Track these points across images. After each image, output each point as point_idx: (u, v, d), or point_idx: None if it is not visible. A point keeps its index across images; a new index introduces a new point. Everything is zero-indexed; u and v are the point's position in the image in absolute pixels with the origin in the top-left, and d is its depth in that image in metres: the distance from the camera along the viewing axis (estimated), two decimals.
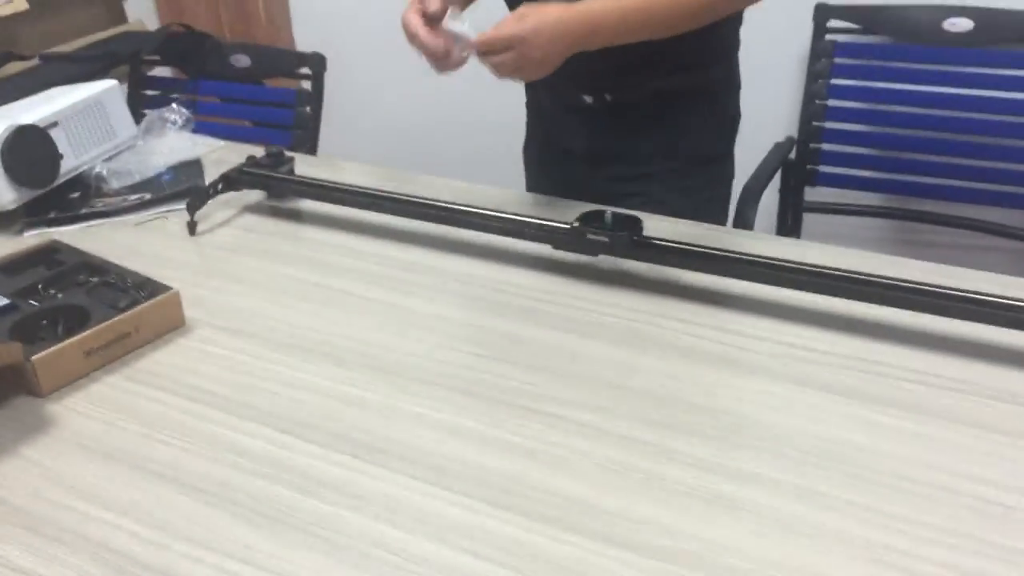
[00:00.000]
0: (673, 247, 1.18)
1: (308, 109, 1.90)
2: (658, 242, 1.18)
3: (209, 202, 1.50)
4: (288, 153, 1.56)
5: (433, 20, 1.26)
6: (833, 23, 1.93)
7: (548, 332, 1.16)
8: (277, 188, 1.52)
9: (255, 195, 1.56)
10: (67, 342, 1.10)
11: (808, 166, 1.96)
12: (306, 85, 1.92)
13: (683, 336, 1.13)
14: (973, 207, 1.91)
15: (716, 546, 0.83)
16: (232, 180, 1.50)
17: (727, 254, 1.15)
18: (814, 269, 1.11)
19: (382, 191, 1.41)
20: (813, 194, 1.99)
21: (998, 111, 1.82)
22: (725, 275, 1.18)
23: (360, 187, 1.44)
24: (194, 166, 1.68)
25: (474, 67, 1.27)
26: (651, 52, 1.29)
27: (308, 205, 1.53)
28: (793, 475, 0.90)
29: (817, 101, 1.94)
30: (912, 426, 0.96)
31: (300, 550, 0.85)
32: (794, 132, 1.97)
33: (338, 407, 1.04)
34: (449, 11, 1.26)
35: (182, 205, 1.53)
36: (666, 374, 1.06)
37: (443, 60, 1.25)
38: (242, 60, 2.06)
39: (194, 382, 1.10)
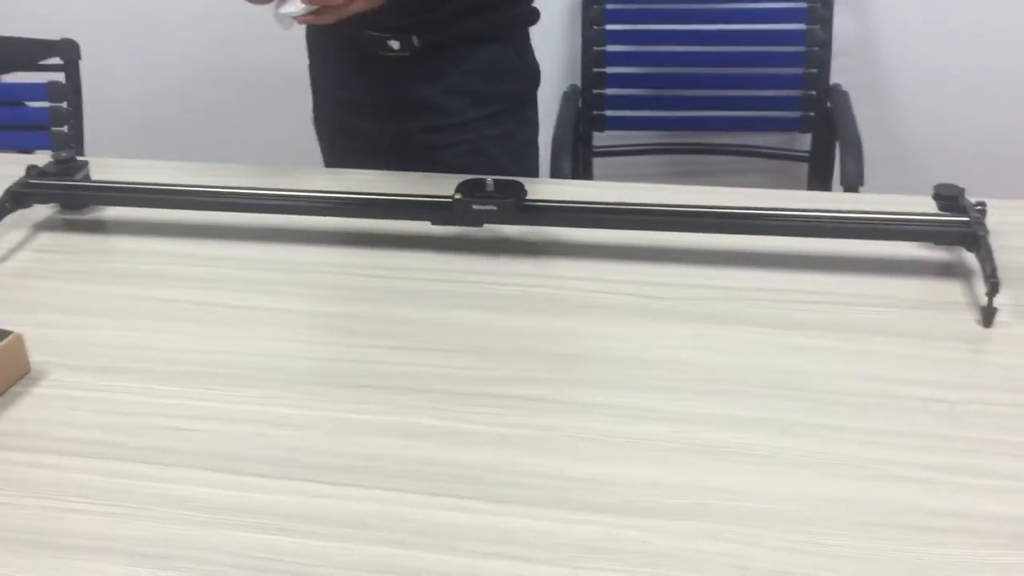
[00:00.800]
0: (560, 207, 1.16)
1: (65, 104, 1.66)
2: (544, 204, 1.16)
3: None
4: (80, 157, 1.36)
5: None
6: None
7: (455, 312, 1.10)
8: (73, 199, 1.32)
9: (42, 210, 1.34)
10: None
11: (595, 112, 2.02)
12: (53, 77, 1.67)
13: (594, 295, 1.11)
14: (736, 134, 2.07)
15: (727, 493, 0.83)
16: (19, 196, 1.28)
17: (621, 207, 1.15)
18: (701, 210, 1.14)
19: (219, 188, 1.27)
20: (600, 139, 2.05)
21: (752, 42, 1.96)
22: (618, 228, 1.17)
23: (187, 186, 1.28)
24: None
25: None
26: None
27: (112, 213, 1.34)
28: (764, 411, 0.92)
29: (595, 48, 2.00)
30: (840, 344, 1.01)
31: None
32: (575, 80, 2.02)
33: (266, 430, 0.93)
34: None
35: None
36: (594, 335, 1.05)
37: None
38: None
39: (78, 435, 0.93)
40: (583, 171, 2.04)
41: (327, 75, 1.55)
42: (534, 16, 1.50)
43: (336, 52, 1.50)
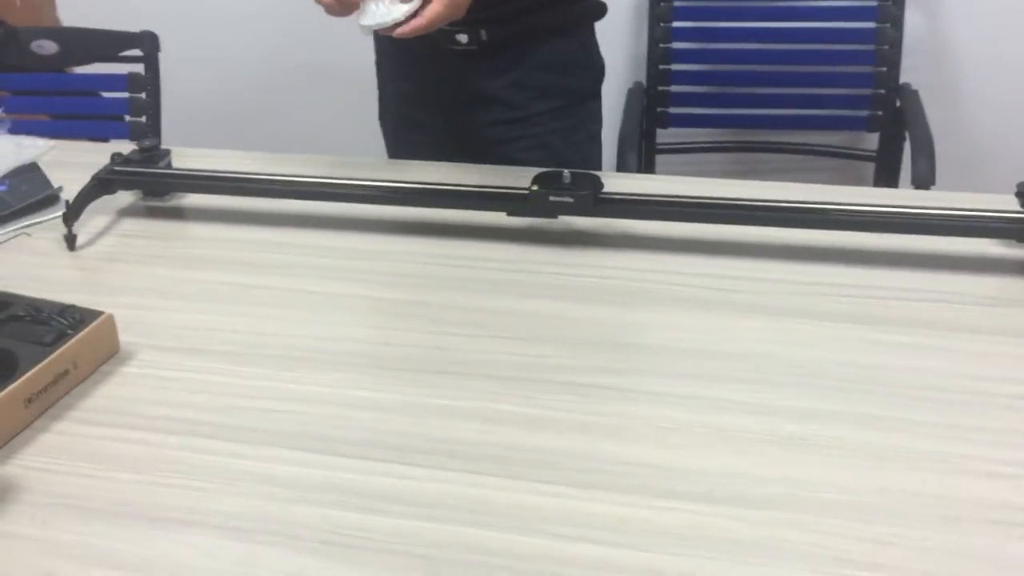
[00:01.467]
0: (636, 200, 1.17)
1: (144, 95, 1.70)
2: (620, 197, 1.17)
3: None
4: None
5: None
6: None
7: (532, 301, 1.11)
8: (156, 186, 1.36)
9: (125, 197, 1.38)
10: (7, 391, 0.92)
11: (659, 109, 2.02)
12: (132, 69, 1.72)
13: (670, 287, 1.12)
14: (802, 133, 2.05)
15: (811, 485, 0.83)
16: (106, 182, 1.32)
17: (697, 201, 1.16)
18: (779, 205, 1.14)
19: (297, 176, 1.29)
20: (664, 135, 2.05)
21: (821, 40, 1.95)
22: (693, 221, 1.18)
23: (266, 175, 1.30)
24: (33, 172, 1.45)
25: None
26: None
27: (193, 201, 1.38)
28: (846, 405, 0.92)
29: (662, 45, 2.00)
30: (921, 340, 1.01)
31: (395, 572, 0.77)
32: (640, 77, 2.02)
33: (351, 413, 0.95)
34: None
35: (39, 218, 1.33)
36: (672, 327, 1.05)
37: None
38: (47, 47, 1.79)
39: (167, 413, 0.96)
40: (646, 167, 2.04)
41: (394, 70, 1.57)
42: (601, 10, 1.50)
43: (403, 47, 1.51)
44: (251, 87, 2.23)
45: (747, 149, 2.12)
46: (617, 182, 1.23)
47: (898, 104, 1.96)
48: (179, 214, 1.36)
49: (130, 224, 1.33)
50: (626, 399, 0.95)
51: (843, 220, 1.11)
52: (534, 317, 1.09)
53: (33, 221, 1.34)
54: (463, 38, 1.40)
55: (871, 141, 2.06)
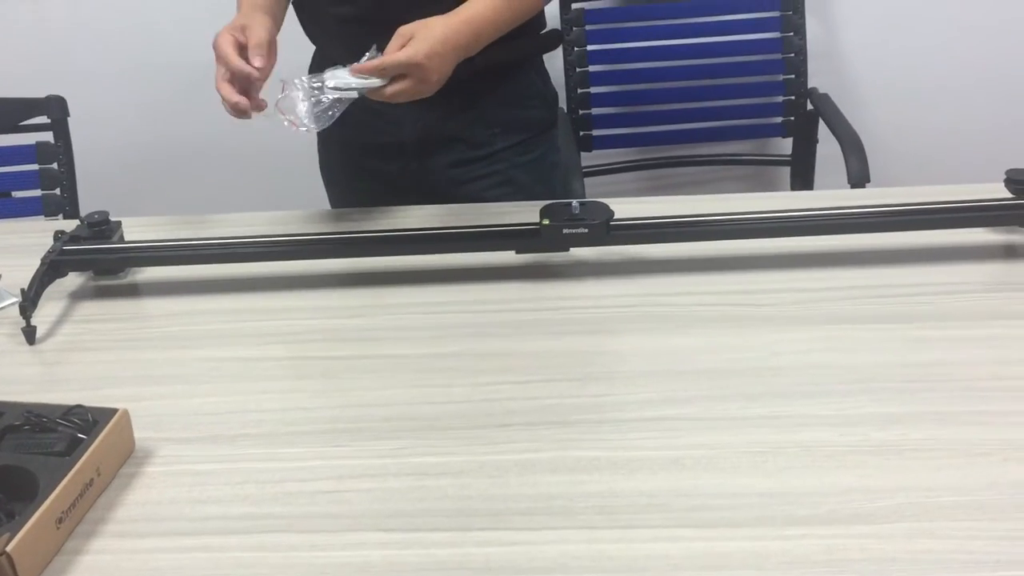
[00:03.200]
0: (651, 224, 1.15)
1: (55, 166, 1.54)
2: (634, 223, 1.15)
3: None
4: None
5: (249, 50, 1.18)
6: None
7: (566, 339, 1.07)
8: (114, 263, 1.23)
9: (72, 279, 1.25)
10: (37, 515, 0.80)
11: (582, 133, 2.01)
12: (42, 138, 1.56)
13: (699, 308, 1.10)
14: (718, 144, 2.10)
15: (923, 491, 0.82)
16: (57, 264, 1.18)
17: (712, 219, 1.15)
18: (791, 214, 1.15)
19: (278, 236, 1.22)
20: (587, 159, 2.05)
21: (730, 53, 2.00)
22: (714, 239, 1.17)
23: (243, 238, 1.21)
24: None
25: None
26: None
27: (150, 275, 1.26)
28: (918, 405, 0.92)
29: (579, 69, 1.99)
30: (969, 332, 1.03)
31: None
32: (560, 103, 2.00)
33: (424, 481, 0.88)
34: (304, 79, 1.17)
35: None
36: (716, 348, 1.03)
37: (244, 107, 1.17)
38: None
39: (218, 511, 0.86)
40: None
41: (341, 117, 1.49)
42: (556, 39, 1.49)
43: None
44: (169, 144, 2.08)
45: (668, 164, 2.13)
46: (618, 207, 1.20)
47: (808, 108, 2.04)
48: (139, 291, 1.24)
49: (89, 307, 1.20)
50: (704, 428, 0.92)
51: (857, 223, 1.13)
52: (573, 355, 1.05)
53: None
54: None
55: (783, 146, 2.13)
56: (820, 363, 1.00)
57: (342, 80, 1.16)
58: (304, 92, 1.17)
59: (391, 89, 1.16)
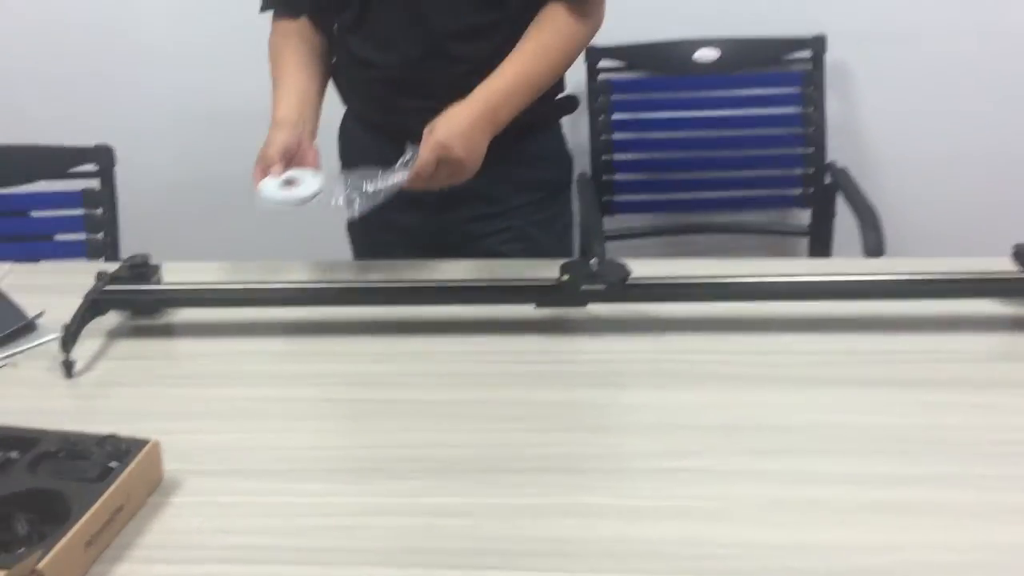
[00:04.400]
0: (667, 284, 1.19)
1: (100, 211, 1.61)
2: (650, 281, 1.19)
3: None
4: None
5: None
6: (604, 63, 2.06)
7: (581, 391, 1.11)
8: (152, 304, 1.29)
9: (112, 317, 1.30)
10: (68, 536, 0.84)
11: (604, 198, 2.07)
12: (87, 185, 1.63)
13: (715, 366, 1.14)
14: (739, 213, 2.15)
15: (920, 548, 0.85)
16: (98, 303, 1.24)
17: (723, 280, 1.20)
18: (804, 280, 1.20)
19: (312, 282, 1.29)
20: (609, 223, 2.10)
21: (751, 126, 2.07)
22: (730, 300, 1.21)
23: (275, 283, 1.27)
24: None
25: None
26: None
27: (186, 316, 1.31)
28: (924, 466, 0.95)
29: (603, 137, 2.06)
30: (967, 398, 1.06)
31: None
32: (584, 168, 2.07)
33: (439, 521, 0.91)
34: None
35: (18, 347, 1.24)
36: (727, 405, 1.07)
37: None
38: None
39: (242, 541, 0.90)
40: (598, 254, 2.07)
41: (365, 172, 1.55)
42: (573, 104, 1.55)
43: (377, 149, 1.51)
44: (206, 193, 2.17)
45: (688, 231, 2.18)
46: (636, 267, 1.24)
47: (827, 181, 2.09)
48: (174, 331, 1.30)
49: (125, 345, 1.25)
50: (713, 481, 0.95)
51: (869, 290, 1.17)
52: (587, 406, 1.09)
53: (13, 351, 1.24)
54: None
55: (801, 217, 2.17)
56: (828, 423, 1.03)
57: (379, 182, 1.23)
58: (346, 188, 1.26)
59: (430, 183, 1.23)
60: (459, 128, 1.24)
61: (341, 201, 1.24)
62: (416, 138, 1.26)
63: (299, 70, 1.38)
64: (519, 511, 0.92)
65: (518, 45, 1.32)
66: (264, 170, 1.25)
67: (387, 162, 1.29)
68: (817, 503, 0.91)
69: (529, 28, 1.33)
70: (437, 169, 1.23)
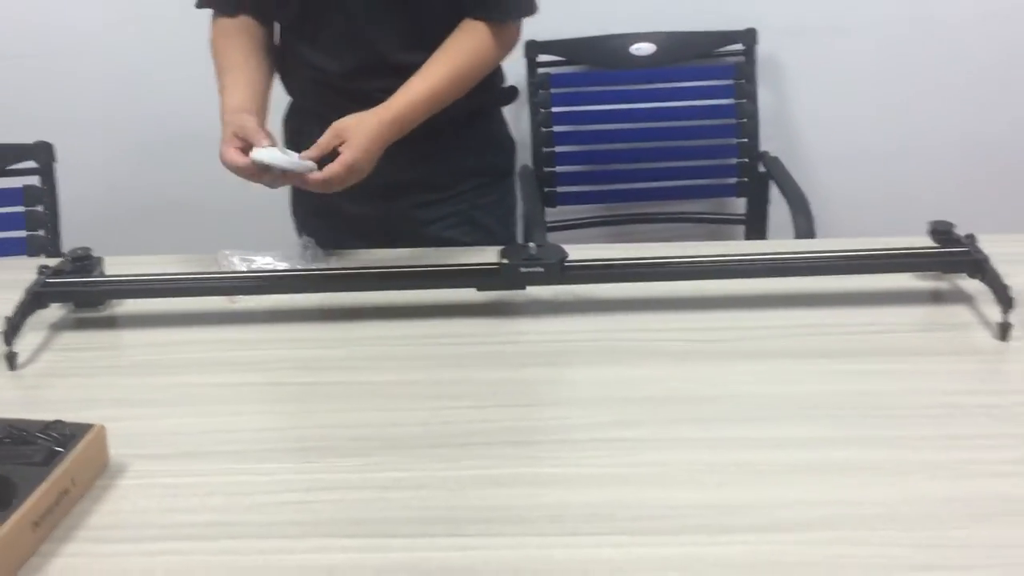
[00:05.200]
0: (603, 265, 1.23)
1: (41, 208, 1.60)
2: (587, 263, 1.22)
3: None
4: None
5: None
6: (542, 57, 2.10)
7: (525, 370, 1.14)
8: (93, 296, 1.29)
9: (55, 311, 1.30)
10: (14, 517, 0.85)
11: (546, 189, 2.10)
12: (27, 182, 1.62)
13: (648, 343, 1.18)
14: (677, 202, 2.20)
15: (849, 504, 0.89)
16: (40, 295, 1.24)
17: (658, 261, 1.23)
18: (736, 258, 1.23)
19: (259, 271, 1.30)
20: (551, 214, 2.13)
21: (687, 117, 2.12)
22: (664, 280, 1.24)
23: (218, 274, 1.29)
24: None
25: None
26: None
27: (129, 308, 1.31)
28: (848, 430, 1.00)
29: (544, 129, 2.09)
30: (888, 366, 1.11)
31: None
32: (526, 160, 2.11)
33: (386, 494, 0.93)
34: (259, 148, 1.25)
35: None
36: (663, 379, 1.11)
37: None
38: None
39: (190, 519, 0.91)
40: None
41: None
42: (513, 94, 1.58)
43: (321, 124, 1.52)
44: (148, 191, 2.16)
45: (628, 221, 2.22)
46: (575, 252, 1.28)
47: (761, 170, 2.15)
48: (117, 323, 1.30)
49: (68, 337, 1.25)
50: (651, 448, 0.99)
51: (794, 266, 1.22)
52: (529, 384, 1.12)
53: None
54: None
55: (737, 205, 2.23)
56: (759, 393, 1.08)
57: (276, 157, 1.24)
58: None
59: (320, 177, 1.24)
60: (369, 143, 1.28)
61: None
62: None
63: (247, 63, 1.40)
64: (466, 482, 0.95)
65: (433, 57, 1.35)
66: (244, 145, 1.25)
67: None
68: (748, 466, 0.95)
69: (447, 41, 1.36)
70: (337, 175, 1.26)
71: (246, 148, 1.26)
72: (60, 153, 1.71)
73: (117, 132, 2.18)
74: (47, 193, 1.62)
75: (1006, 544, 0.84)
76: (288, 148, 1.29)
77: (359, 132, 1.27)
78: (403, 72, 1.35)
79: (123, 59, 2.12)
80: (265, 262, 1.36)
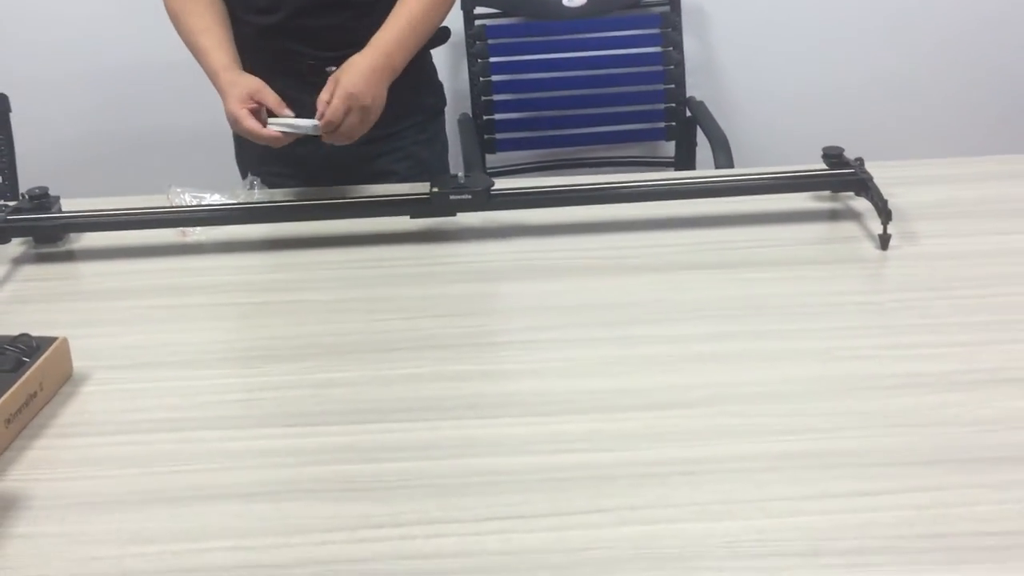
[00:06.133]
0: (527, 193, 1.34)
1: None
2: (512, 191, 1.33)
3: None
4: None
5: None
6: (479, 10, 2.19)
7: (453, 286, 1.25)
8: (53, 230, 1.37)
9: (14, 247, 1.38)
10: None
11: (485, 136, 2.21)
12: None
13: (568, 261, 1.29)
14: (611, 147, 2.32)
15: (730, 385, 1.02)
16: (3, 231, 1.32)
17: (575, 188, 1.35)
18: (644, 184, 1.37)
19: (207, 206, 1.39)
20: (492, 160, 2.24)
21: (617, 65, 2.23)
22: (582, 204, 1.36)
23: (171, 209, 1.38)
24: None
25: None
26: (383, 17, 1.44)
27: (87, 242, 1.40)
28: (737, 326, 1.12)
29: (482, 78, 2.19)
30: (780, 274, 1.24)
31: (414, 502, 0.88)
32: (465, 109, 2.21)
33: (322, 391, 1.04)
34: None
35: None
36: (580, 290, 1.23)
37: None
38: None
39: (147, 416, 1.02)
40: None
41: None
42: (446, 34, 1.66)
43: (268, 81, 1.61)
44: (102, 138, 2.24)
45: (564, 167, 2.34)
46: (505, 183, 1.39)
47: (688, 115, 2.27)
48: (75, 256, 1.39)
49: (30, 270, 1.34)
50: (563, 347, 1.11)
51: (698, 189, 1.34)
52: (456, 298, 1.23)
53: None
54: (332, 69, 1.52)
55: (667, 149, 2.35)
56: (663, 299, 1.20)
57: (295, 124, 1.34)
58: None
59: (342, 130, 1.32)
60: (362, 77, 1.34)
61: None
62: (311, 84, 1.38)
63: (217, 24, 1.46)
64: (393, 379, 1.06)
65: None
66: (255, 107, 1.33)
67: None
68: (647, 358, 1.08)
69: None
70: (347, 116, 1.33)
71: (255, 111, 1.34)
72: (13, 101, 1.79)
73: (69, 81, 2.24)
74: (3, 142, 1.69)
75: (864, 411, 0.97)
76: None
77: (348, 69, 1.34)
78: (350, 7, 1.43)
79: (76, 13, 2.18)
80: (214, 199, 1.45)
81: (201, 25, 1.45)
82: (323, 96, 1.33)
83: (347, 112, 1.32)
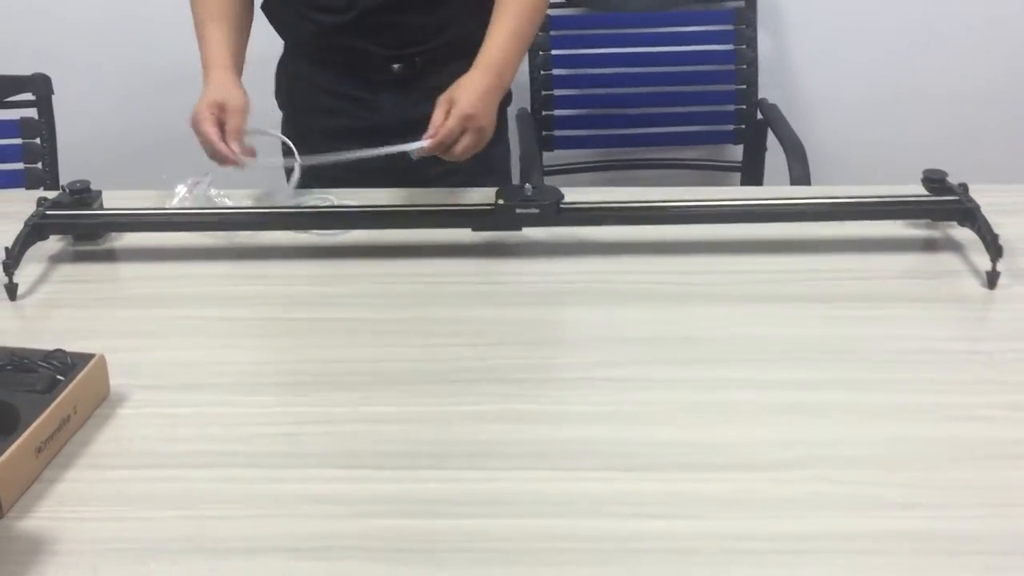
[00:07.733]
0: (599, 208, 1.24)
1: (38, 140, 1.61)
2: (583, 206, 1.24)
3: None
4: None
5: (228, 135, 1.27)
6: None
7: (516, 309, 1.16)
8: (92, 228, 1.30)
9: (54, 243, 1.31)
10: (18, 442, 0.87)
11: (544, 133, 2.11)
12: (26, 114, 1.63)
13: (642, 286, 1.20)
14: (673, 148, 2.21)
15: (828, 444, 0.92)
16: (40, 227, 1.25)
17: (653, 205, 1.25)
18: (726, 204, 1.25)
19: (254, 208, 1.31)
20: (548, 158, 2.14)
21: (686, 63, 2.12)
22: (658, 224, 1.27)
23: (218, 209, 1.31)
24: None
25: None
26: (451, 13, 1.39)
27: (128, 242, 1.33)
28: (828, 373, 1.02)
29: (543, 72, 2.09)
30: (874, 312, 1.13)
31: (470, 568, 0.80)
32: (524, 104, 2.10)
33: (379, 428, 0.96)
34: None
35: None
36: (653, 320, 1.13)
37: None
38: None
39: (184, 448, 0.94)
40: None
41: (312, 105, 1.56)
42: None
43: (327, 81, 1.50)
44: (147, 127, 2.16)
45: (625, 167, 2.23)
46: (571, 194, 1.29)
47: (759, 117, 2.15)
48: (115, 256, 1.31)
49: (68, 270, 1.27)
50: (638, 388, 1.01)
51: (785, 212, 1.23)
52: (520, 323, 1.14)
53: None
54: (396, 67, 1.43)
55: (734, 152, 2.23)
56: (742, 335, 1.10)
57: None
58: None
59: (456, 150, 1.25)
60: (479, 98, 1.28)
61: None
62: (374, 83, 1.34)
63: (229, 12, 1.39)
64: (452, 418, 0.97)
65: (500, 4, 1.35)
66: (230, 136, 1.26)
67: (337, 97, 1.35)
68: (730, 405, 0.98)
69: None
70: (462, 137, 1.26)
71: (221, 119, 1.26)
72: (56, 87, 1.72)
73: (113, 66, 2.17)
74: (45, 126, 1.62)
75: (986, 486, 0.87)
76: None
77: (463, 90, 1.27)
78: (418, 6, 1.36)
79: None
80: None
81: (207, 11, 1.38)
82: (437, 117, 1.25)
83: (462, 132, 1.25)
